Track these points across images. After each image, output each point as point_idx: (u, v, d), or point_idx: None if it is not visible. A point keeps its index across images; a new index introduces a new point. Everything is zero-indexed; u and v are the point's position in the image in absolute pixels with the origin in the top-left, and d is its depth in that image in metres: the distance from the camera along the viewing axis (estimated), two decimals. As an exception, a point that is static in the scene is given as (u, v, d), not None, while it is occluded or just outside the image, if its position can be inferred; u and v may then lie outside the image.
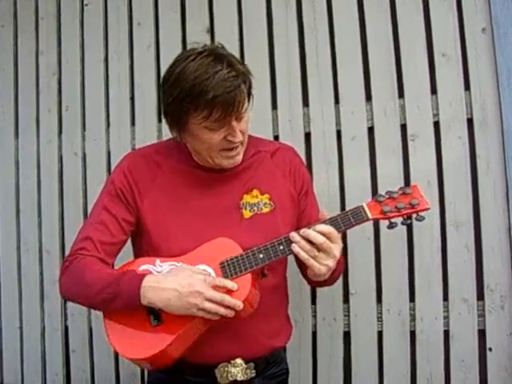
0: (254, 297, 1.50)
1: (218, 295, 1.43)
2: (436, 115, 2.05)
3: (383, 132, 2.10)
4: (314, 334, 2.16)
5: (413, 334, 2.05)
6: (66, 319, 2.48)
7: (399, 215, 1.49)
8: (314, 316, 2.16)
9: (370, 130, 2.12)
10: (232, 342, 1.48)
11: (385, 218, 1.50)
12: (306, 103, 2.21)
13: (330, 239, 1.46)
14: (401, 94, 2.09)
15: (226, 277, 1.48)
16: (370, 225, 2.05)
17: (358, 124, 2.13)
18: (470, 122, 2.02)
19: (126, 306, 1.48)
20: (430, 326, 2.03)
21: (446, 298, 2.02)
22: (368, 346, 2.09)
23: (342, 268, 1.73)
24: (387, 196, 1.51)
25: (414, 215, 1.50)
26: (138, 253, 1.66)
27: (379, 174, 2.10)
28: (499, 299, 1.97)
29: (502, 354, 1.96)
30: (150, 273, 1.52)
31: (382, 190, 2.04)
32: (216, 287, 1.44)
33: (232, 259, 1.49)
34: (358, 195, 2.10)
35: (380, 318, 2.08)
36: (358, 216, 1.49)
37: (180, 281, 1.43)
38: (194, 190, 1.62)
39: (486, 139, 2.00)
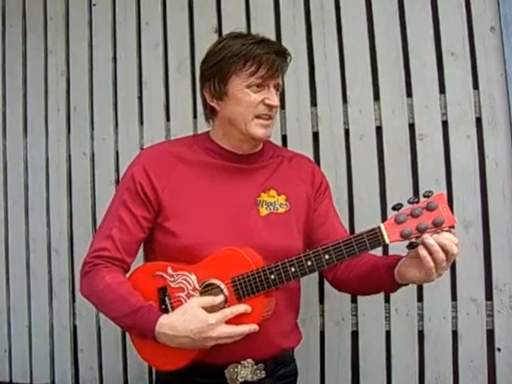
0: (268, 308, 1.51)
1: (232, 331, 1.44)
2: (444, 114, 2.05)
3: (391, 131, 2.10)
4: (322, 333, 2.16)
5: (421, 333, 2.05)
6: (74, 318, 2.49)
7: (421, 235, 1.35)
8: (322, 316, 2.16)
9: (378, 129, 2.12)
10: (242, 341, 1.47)
11: (404, 241, 1.38)
12: (313, 103, 2.21)
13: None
14: (409, 93, 2.09)
15: (239, 297, 1.47)
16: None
17: (366, 123, 2.13)
18: (478, 121, 2.02)
19: (141, 337, 1.52)
20: (439, 326, 2.02)
21: (454, 297, 2.02)
22: (376, 346, 2.09)
23: None
24: (409, 212, 1.36)
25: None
26: (149, 249, 1.68)
27: (387, 174, 2.09)
28: (508, 299, 1.96)
29: (510, 355, 1.96)
30: (163, 281, 1.55)
31: (390, 190, 2.06)
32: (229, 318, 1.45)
33: (244, 278, 1.47)
34: (366, 195, 2.10)
35: (388, 318, 2.08)
36: (374, 240, 1.39)
37: (191, 327, 1.42)
38: (213, 181, 1.63)
39: (494, 138, 1.99)
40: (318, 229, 1.71)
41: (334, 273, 1.69)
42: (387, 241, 1.38)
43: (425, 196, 1.37)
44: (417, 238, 1.37)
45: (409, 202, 1.37)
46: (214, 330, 1.42)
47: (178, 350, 1.48)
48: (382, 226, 1.39)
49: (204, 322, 1.42)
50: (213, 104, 1.64)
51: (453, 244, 1.35)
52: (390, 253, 2.03)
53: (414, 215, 1.36)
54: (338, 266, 1.67)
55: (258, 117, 1.58)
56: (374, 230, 1.40)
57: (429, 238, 1.34)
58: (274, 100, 1.59)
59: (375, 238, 1.39)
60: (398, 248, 1.43)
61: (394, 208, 1.38)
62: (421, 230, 1.34)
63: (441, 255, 1.34)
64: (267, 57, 1.55)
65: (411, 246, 1.38)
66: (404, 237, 1.36)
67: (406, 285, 1.52)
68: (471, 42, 2.03)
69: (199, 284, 1.52)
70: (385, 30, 2.12)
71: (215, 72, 1.60)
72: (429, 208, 1.35)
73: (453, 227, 1.36)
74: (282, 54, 1.60)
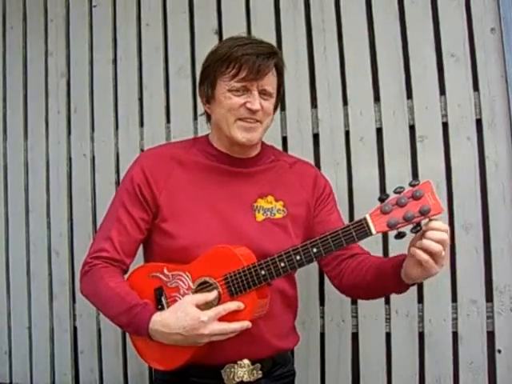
0: (261, 306, 1.51)
1: (225, 329, 1.44)
2: (444, 116, 2.04)
3: (391, 133, 2.10)
4: (323, 335, 2.16)
5: (421, 335, 2.05)
6: (74, 320, 2.49)
7: (408, 224, 1.33)
8: (322, 317, 2.15)
9: (379, 130, 2.12)
10: (239, 342, 1.48)
11: (391, 230, 1.36)
12: (314, 104, 2.21)
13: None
14: (409, 95, 2.09)
15: (231, 294, 1.48)
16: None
17: (367, 125, 2.13)
18: (478, 122, 2.01)
19: (137, 335, 1.54)
20: (439, 328, 2.02)
21: (454, 299, 2.02)
22: (376, 348, 2.09)
23: None
24: (394, 202, 1.34)
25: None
26: (148, 250, 1.70)
27: (387, 175, 2.09)
28: (508, 301, 1.96)
29: (510, 356, 1.95)
30: (159, 282, 1.57)
31: (390, 192, 2.03)
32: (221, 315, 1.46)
33: (235, 274, 1.48)
34: (367, 196, 2.09)
35: (388, 320, 2.08)
36: (360, 231, 1.38)
37: (183, 324, 1.43)
38: (211, 184, 1.64)
39: (494, 140, 1.99)
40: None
41: (341, 278, 1.68)
42: (374, 231, 1.37)
43: (411, 185, 1.35)
44: (403, 226, 1.34)
45: (395, 192, 1.36)
46: (205, 327, 1.42)
47: (175, 350, 1.49)
48: (368, 217, 1.38)
49: (196, 319, 1.42)
50: (205, 108, 1.68)
51: (443, 233, 1.34)
52: (390, 248, 2.04)
53: (400, 204, 1.34)
54: (343, 271, 1.67)
55: (240, 119, 1.58)
56: (360, 221, 1.39)
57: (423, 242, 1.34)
58: (255, 104, 1.56)
59: (361, 229, 1.38)
60: (398, 243, 1.41)
61: (381, 199, 1.37)
62: (407, 219, 1.32)
63: (434, 246, 1.33)
64: (247, 58, 1.53)
65: (399, 236, 1.35)
66: (390, 226, 1.34)
67: (413, 284, 1.51)
68: (471, 44, 2.03)
69: (193, 283, 1.53)
70: (385, 31, 2.12)
71: (206, 76, 1.64)
72: (414, 197, 1.33)
73: (440, 213, 1.34)
74: (265, 56, 1.56)
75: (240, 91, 1.56)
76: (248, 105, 1.56)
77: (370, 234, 1.38)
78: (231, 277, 1.48)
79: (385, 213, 1.35)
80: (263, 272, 1.46)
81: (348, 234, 1.39)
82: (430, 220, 1.34)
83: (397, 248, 2.02)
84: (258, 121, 1.59)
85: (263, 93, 1.59)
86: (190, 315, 1.43)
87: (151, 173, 1.63)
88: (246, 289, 1.47)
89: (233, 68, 1.54)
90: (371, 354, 2.09)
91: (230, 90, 1.56)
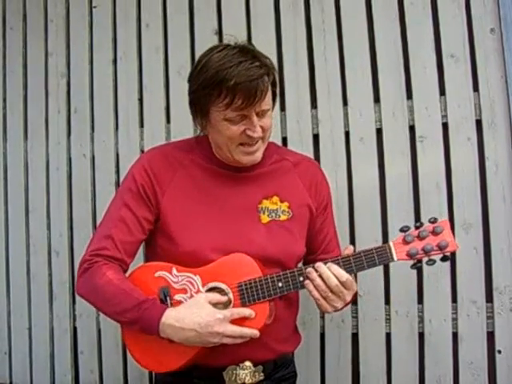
0: (270, 315, 1.52)
1: (236, 331, 1.44)
2: (444, 116, 2.04)
3: (391, 133, 2.10)
4: (322, 335, 2.16)
5: (421, 335, 2.05)
6: (74, 320, 2.49)
7: (425, 256, 1.46)
8: (322, 318, 2.15)
9: (379, 131, 2.12)
10: (241, 344, 1.47)
11: (410, 260, 1.47)
12: (314, 105, 2.21)
13: (343, 285, 1.47)
14: (409, 96, 2.09)
15: (243, 302, 1.49)
16: (378, 227, 2.06)
17: (367, 125, 2.13)
18: (478, 123, 2.01)
19: (143, 332, 1.50)
20: (439, 328, 2.02)
21: (454, 299, 2.01)
22: (376, 348, 2.09)
23: (353, 299, 1.60)
24: (416, 234, 1.45)
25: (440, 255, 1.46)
26: (151, 252, 1.68)
27: (387, 176, 2.09)
28: (508, 301, 1.96)
29: (511, 357, 1.95)
30: (166, 281, 1.55)
31: (390, 192, 2.07)
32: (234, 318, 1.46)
33: (250, 283, 1.48)
34: (367, 197, 2.10)
35: (388, 320, 2.08)
36: (383, 257, 1.46)
37: (199, 320, 1.42)
38: (214, 187, 1.63)
39: (494, 140, 1.99)
40: (313, 242, 1.73)
41: None
42: (395, 258, 1.46)
43: (430, 221, 1.46)
44: (421, 258, 1.46)
45: (415, 227, 1.46)
46: (220, 325, 1.42)
47: (175, 352, 1.49)
48: (392, 244, 1.46)
49: (212, 315, 1.43)
50: (199, 126, 1.62)
51: (331, 276, 1.45)
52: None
53: (420, 237, 1.45)
54: None
55: (242, 144, 1.54)
56: (383, 246, 1.47)
57: (312, 273, 1.46)
58: (255, 131, 1.51)
59: (384, 254, 1.46)
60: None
61: (402, 230, 1.47)
62: (426, 251, 1.44)
63: (322, 287, 1.46)
64: (241, 87, 1.43)
65: (415, 267, 1.47)
66: (410, 256, 1.44)
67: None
68: (471, 44, 2.03)
69: (203, 287, 1.52)
70: (385, 32, 2.12)
71: (195, 102, 1.55)
72: (434, 232, 1.45)
73: (455, 251, 1.47)
74: (259, 79, 1.45)
75: (237, 118, 1.49)
76: (248, 132, 1.51)
77: (392, 260, 1.46)
78: (246, 285, 1.49)
79: (407, 243, 1.46)
80: (280, 284, 1.48)
81: (370, 258, 1.47)
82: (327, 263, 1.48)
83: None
84: (260, 140, 1.56)
85: (261, 113, 1.52)
86: (205, 311, 1.44)
87: (154, 173, 1.61)
88: (259, 298, 1.48)
89: (225, 97, 1.45)
90: (371, 355, 2.09)
91: (226, 120, 1.50)
